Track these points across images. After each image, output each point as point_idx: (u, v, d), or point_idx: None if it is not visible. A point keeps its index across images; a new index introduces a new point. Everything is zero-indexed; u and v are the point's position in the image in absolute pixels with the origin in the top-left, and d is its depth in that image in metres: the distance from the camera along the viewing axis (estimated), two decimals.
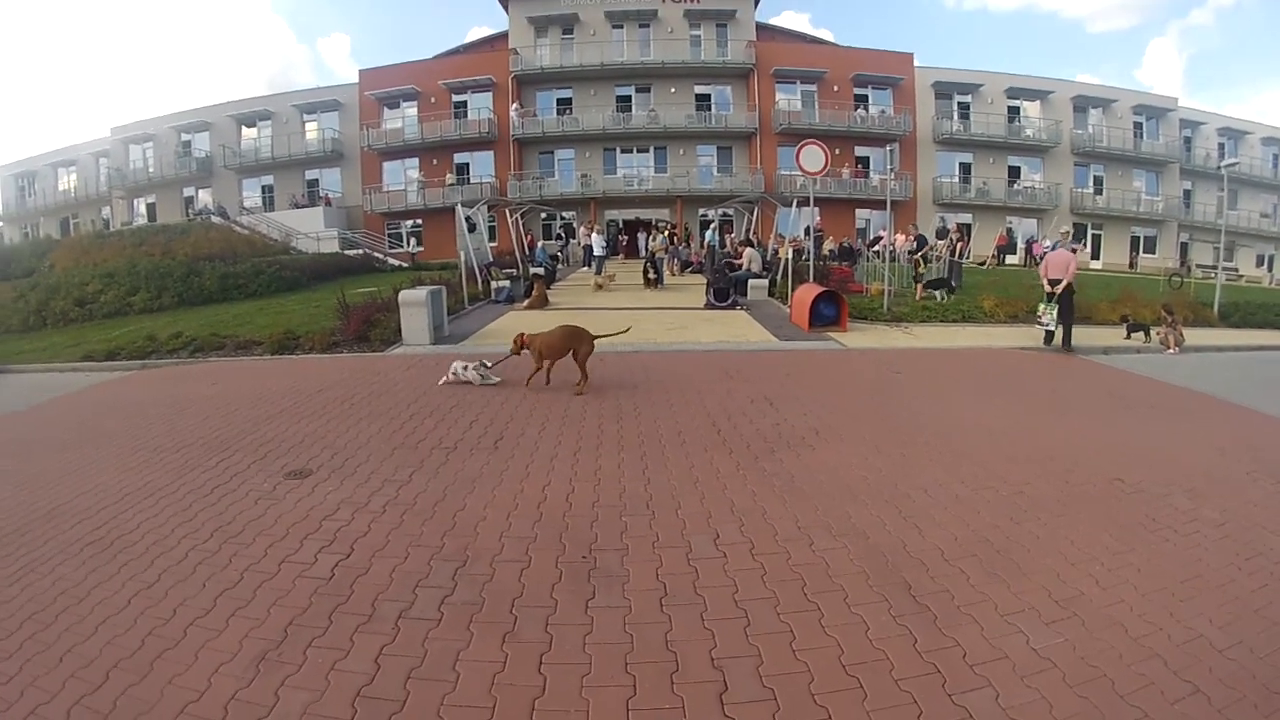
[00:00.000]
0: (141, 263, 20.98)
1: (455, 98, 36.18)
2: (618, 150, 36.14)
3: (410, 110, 36.56)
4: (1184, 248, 38.65)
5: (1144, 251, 38.22)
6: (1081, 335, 12.39)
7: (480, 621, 3.26)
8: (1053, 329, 11.58)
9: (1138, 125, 38.71)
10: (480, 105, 35.84)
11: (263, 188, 38.36)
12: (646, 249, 24.77)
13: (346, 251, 29.89)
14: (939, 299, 15.87)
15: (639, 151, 36.13)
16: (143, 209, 40.23)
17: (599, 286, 19.45)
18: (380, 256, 30.65)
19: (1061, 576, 3.85)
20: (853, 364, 9.94)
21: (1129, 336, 13.27)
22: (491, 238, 26.49)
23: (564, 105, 36.05)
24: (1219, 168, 30.30)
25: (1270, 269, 40.56)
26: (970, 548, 4.13)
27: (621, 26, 35.32)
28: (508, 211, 25.20)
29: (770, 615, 3.36)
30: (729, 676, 2.89)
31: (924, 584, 3.71)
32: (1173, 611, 3.57)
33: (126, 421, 7.08)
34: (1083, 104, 38.06)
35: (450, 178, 35.35)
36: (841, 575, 3.76)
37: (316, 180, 37.65)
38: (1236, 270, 36.78)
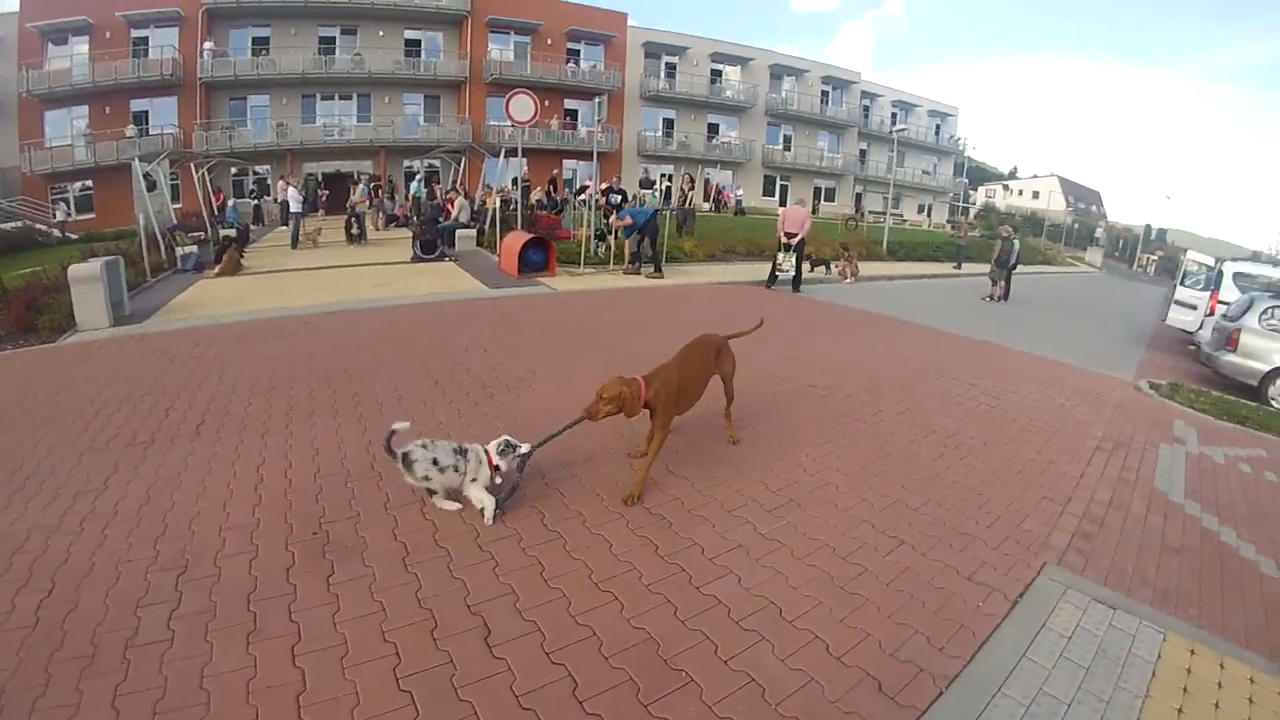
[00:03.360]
0: None
1: (135, 33, 29.94)
2: (318, 97, 32.72)
3: (80, 47, 29.56)
4: (859, 197, 45.72)
5: (825, 200, 44.40)
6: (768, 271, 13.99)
7: (218, 629, 2.86)
8: (793, 274, 13.14)
9: (825, 93, 44.54)
10: (164, 42, 30.06)
11: None
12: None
13: (1, 225, 24.33)
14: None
15: (341, 99, 33.05)
16: None
17: (314, 242, 18.12)
18: (44, 228, 25.40)
19: (775, 470, 4.38)
20: (563, 306, 10.21)
21: (812, 270, 15.20)
22: (175, 197, 23.00)
23: (260, 45, 31.68)
24: (891, 133, 35.91)
25: (929, 215, 50.54)
26: (690, 456, 4.52)
27: None
28: (193, 167, 22.06)
29: (516, 551, 3.36)
30: (489, 619, 2.86)
31: (654, 496, 3.97)
32: (871, 484, 4.31)
33: None
34: (779, 72, 42.62)
35: (130, 129, 29.58)
36: (577, 502, 3.88)
37: None
38: (902, 216, 45.20)
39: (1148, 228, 63.68)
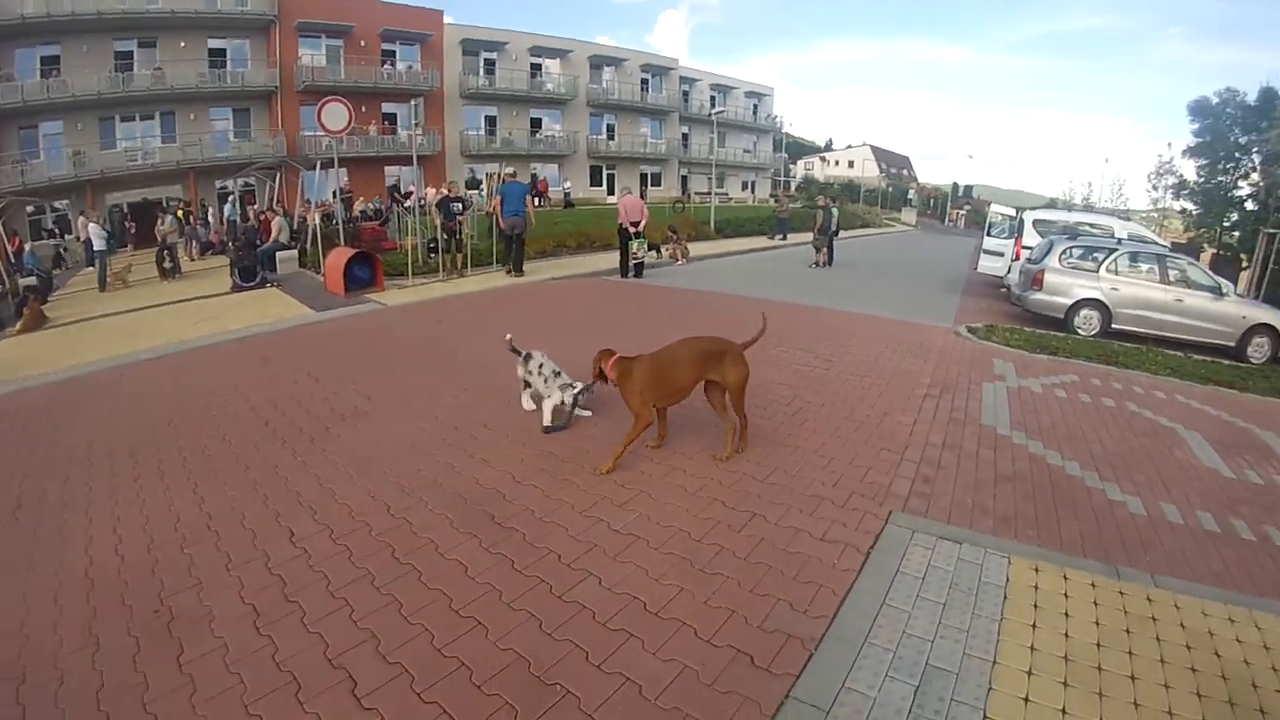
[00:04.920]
0: None
1: None
2: (117, 119, 29.44)
3: None
4: (684, 180, 47.11)
5: (652, 185, 45.23)
6: (602, 261, 14.47)
7: None
8: (645, 260, 13.82)
9: (645, 81, 45.54)
10: None
11: None
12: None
13: None
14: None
15: (143, 119, 29.95)
16: None
17: (124, 282, 16.44)
18: None
19: (623, 465, 4.36)
20: (394, 321, 9.83)
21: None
22: None
23: (50, 65, 28.04)
24: (710, 115, 37.76)
25: (753, 191, 53.44)
26: (539, 464, 4.43)
27: None
28: None
29: (371, 593, 3.18)
30: (353, 670, 2.69)
31: (505, 510, 3.87)
32: (718, 465, 4.37)
33: None
34: (598, 62, 43.13)
35: None
36: (427, 529, 3.71)
37: None
38: (727, 194, 47.51)
39: (955, 185, 69.80)
